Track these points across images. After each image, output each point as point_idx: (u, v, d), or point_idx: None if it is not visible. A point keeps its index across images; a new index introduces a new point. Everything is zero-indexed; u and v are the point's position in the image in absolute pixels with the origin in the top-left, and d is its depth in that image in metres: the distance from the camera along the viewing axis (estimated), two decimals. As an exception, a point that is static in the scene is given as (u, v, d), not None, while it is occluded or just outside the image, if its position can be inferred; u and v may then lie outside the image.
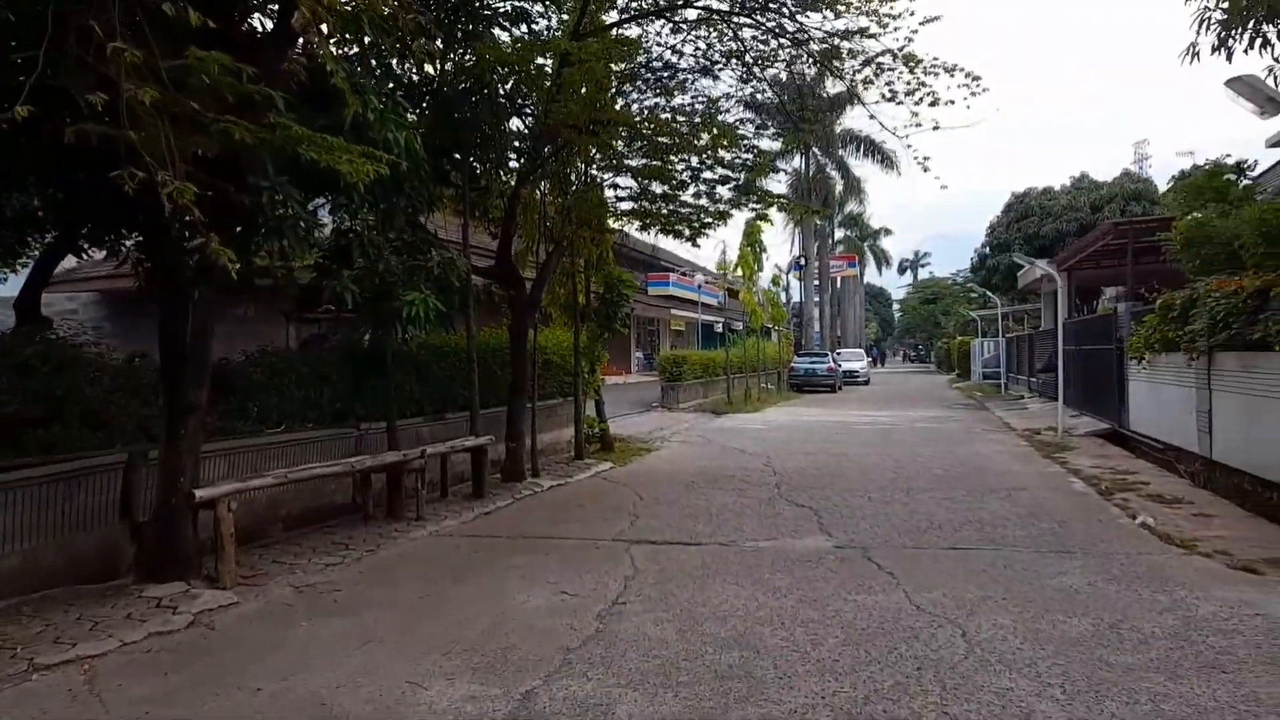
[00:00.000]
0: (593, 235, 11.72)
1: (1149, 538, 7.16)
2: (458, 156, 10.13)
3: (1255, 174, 15.54)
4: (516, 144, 10.59)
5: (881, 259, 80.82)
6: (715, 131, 9.27)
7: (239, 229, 7.12)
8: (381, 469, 8.16)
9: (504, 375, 11.60)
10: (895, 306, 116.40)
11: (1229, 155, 13.23)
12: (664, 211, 11.35)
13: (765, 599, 5.56)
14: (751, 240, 25.61)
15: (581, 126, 9.68)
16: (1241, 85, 7.62)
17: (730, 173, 10.69)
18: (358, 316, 8.90)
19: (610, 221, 11.72)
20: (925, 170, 10.53)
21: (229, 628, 5.29)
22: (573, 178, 11.65)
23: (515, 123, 10.79)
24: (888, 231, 78.03)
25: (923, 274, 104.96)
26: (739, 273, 25.12)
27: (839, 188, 45.41)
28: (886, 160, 41.59)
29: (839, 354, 40.19)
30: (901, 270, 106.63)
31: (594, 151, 10.81)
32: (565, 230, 11.01)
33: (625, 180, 11.54)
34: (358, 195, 7.82)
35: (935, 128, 10.05)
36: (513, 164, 11.01)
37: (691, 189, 11.12)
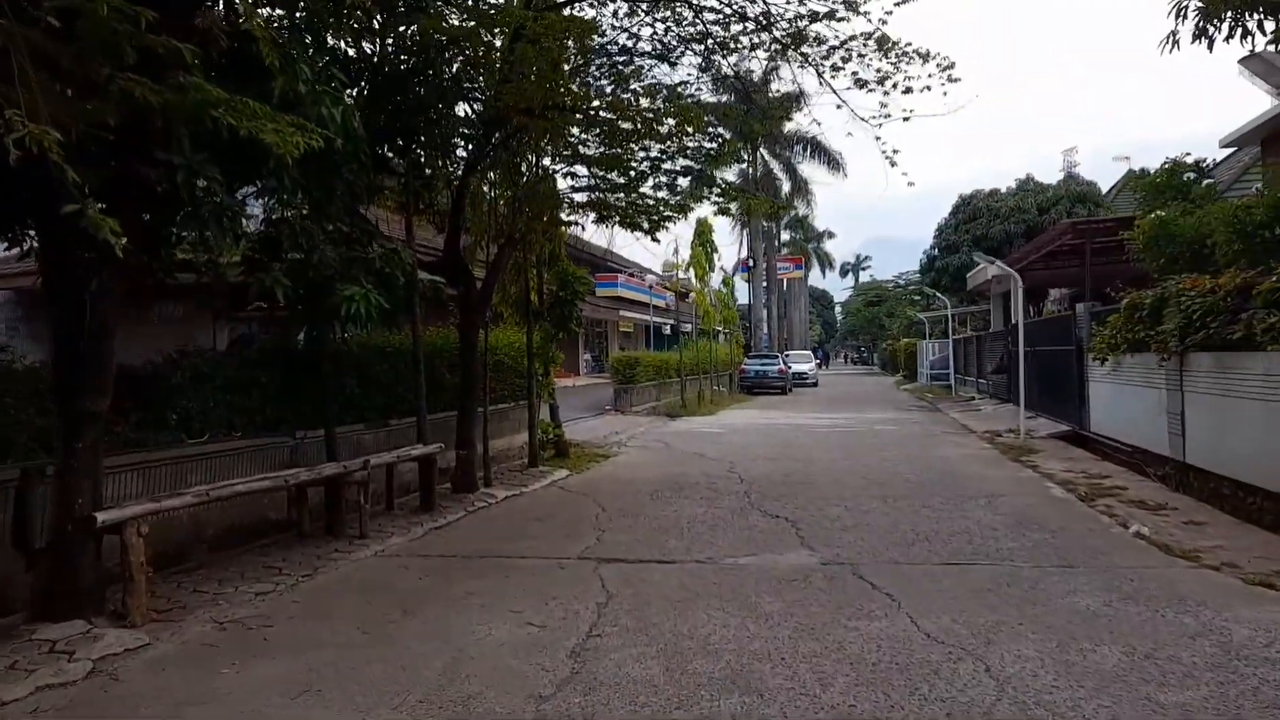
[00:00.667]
0: (545, 229, 11.03)
1: (1148, 549, 6.76)
2: (400, 143, 9.36)
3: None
4: (464, 130, 9.85)
5: (825, 262, 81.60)
6: (679, 116, 8.64)
7: (151, 215, 6.31)
8: (319, 482, 7.35)
9: (453, 378, 10.85)
10: (837, 309, 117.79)
11: (1188, 154, 13.20)
12: (623, 204, 10.70)
13: (757, 628, 4.96)
14: (704, 239, 25.14)
15: (535, 110, 8.99)
16: (1257, 63, 7.29)
17: (692, 163, 10.10)
18: (291, 314, 8.07)
19: (565, 215, 11.02)
20: (893, 164, 10.10)
21: (137, 677, 4.48)
22: (524, 169, 10.95)
23: (463, 108, 10.07)
24: (831, 234, 78.90)
25: (864, 277, 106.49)
26: (690, 273, 24.61)
27: (785, 189, 45.33)
28: (833, 162, 41.66)
29: (787, 356, 40.04)
30: (843, 273, 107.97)
31: (547, 140, 10.12)
32: (517, 223, 10.30)
33: (581, 171, 10.86)
34: (289, 177, 7.00)
35: (906, 118, 9.63)
36: (460, 152, 10.28)
37: (651, 180, 10.50)
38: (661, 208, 10.73)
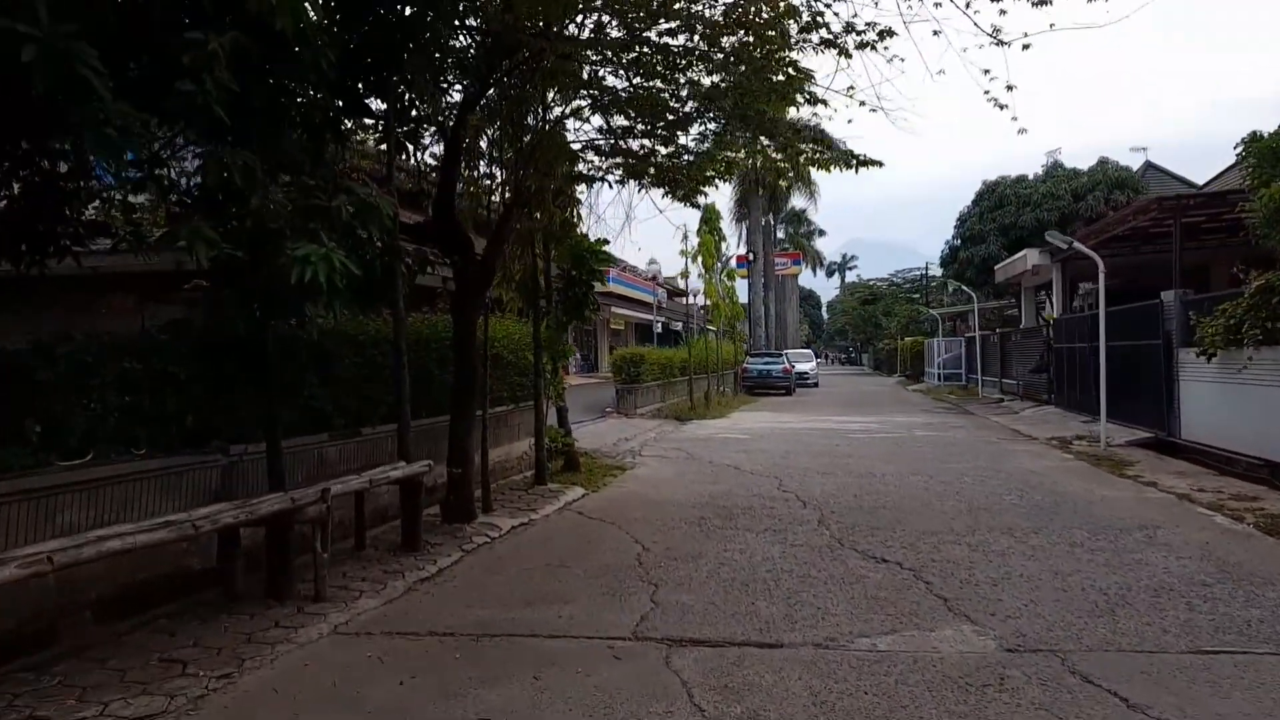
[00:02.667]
0: (559, 188, 8.84)
1: None
2: (380, 76, 7.14)
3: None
4: (462, 59, 7.66)
5: (817, 260, 79.75)
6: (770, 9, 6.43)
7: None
8: (254, 522, 5.10)
9: (444, 376, 8.64)
10: (823, 309, 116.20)
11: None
12: (659, 157, 8.53)
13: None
14: (712, 226, 23.03)
15: (556, 26, 6.82)
16: None
17: (749, 99, 7.89)
18: (222, 284, 5.84)
19: (585, 168, 8.83)
20: (1002, 107, 7.96)
21: None
22: (530, 120, 8.76)
23: (460, 39, 7.87)
24: (822, 232, 77.04)
25: (849, 277, 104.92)
26: (698, 262, 22.47)
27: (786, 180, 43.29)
28: (801, 177, 39.63)
29: (787, 355, 38.00)
30: (830, 273, 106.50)
31: (566, 76, 7.91)
32: (526, 180, 8.10)
33: (599, 120, 8.67)
34: (213, 82, 4.80)
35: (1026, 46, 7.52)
36: (454, 95, 8.09)
37: (698, 126, 8.33)
38: (709, 161, 8.57)
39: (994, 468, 11.09)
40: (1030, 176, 26.15)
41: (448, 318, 8.38)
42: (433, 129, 7.89)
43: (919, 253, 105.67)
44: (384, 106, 7.28)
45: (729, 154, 8.54)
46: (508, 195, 8.29)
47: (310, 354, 7.11)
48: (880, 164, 8.17)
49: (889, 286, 70.62)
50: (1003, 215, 25.35)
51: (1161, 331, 13.04)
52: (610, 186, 9.22)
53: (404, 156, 8.23)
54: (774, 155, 8.73)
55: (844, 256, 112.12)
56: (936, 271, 58.07)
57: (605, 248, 10.03)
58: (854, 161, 8.16)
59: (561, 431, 10.80)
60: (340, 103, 7.09)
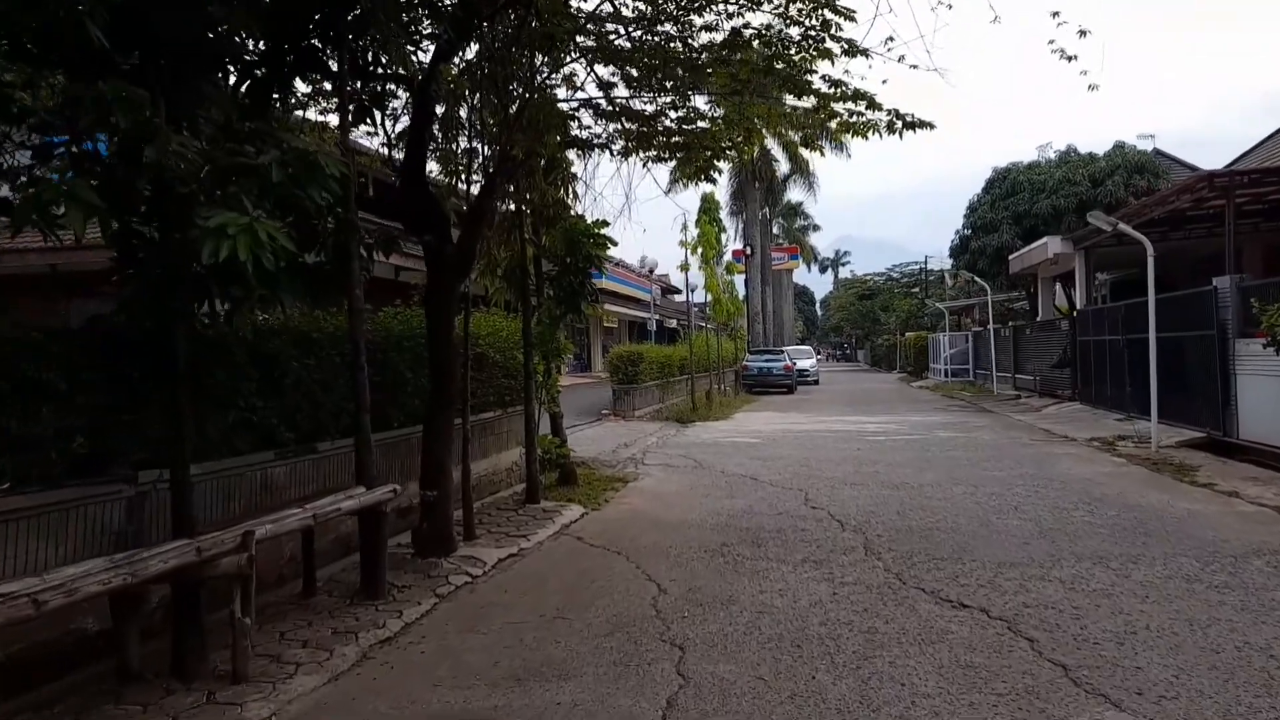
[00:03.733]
0: (550, 161, 7.58)
1: None
2: (335, 29, 5.87)
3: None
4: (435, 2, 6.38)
5: (812, 255, 78.61)
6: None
7: None
8: (139, 585, 3.78)
9: (420, 379, 7.36)
10: (817, 305, 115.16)
11: None
12: (670, 121, 7.25)
13: None
14: (712, 216, 21.80)
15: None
16: None
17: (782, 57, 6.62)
18: (118, 267, 4.56)
19: (581, 132, 7.54)
20: (1071, 59, 6.73)
21: None
22: (515, 85, 7.47)
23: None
24: (817, 227, 75.93)
25: (843, 273, 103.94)
26: (698, 253, 21.22)
27: (782, 170, 42.10)
28: (836, 142, 38.42)
29: (788, 352, 36.78)
30: (823, 269, 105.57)
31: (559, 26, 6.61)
32: (513, 145, 6.81)
33: (600, 72, 7.37)
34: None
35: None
36: (426, 50, 6.81)
37: (713, 85, 7.04)
38: (728, 127, 7.32)
39: (1042, 475, 9.86)
40: (1043, 162, 24.95)
41: (424, 311, 7.08)
42: (405, 91, 6.59)
43: (909, 250, 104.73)
44: (337, 56, 6.00)
45: (753, 118, 7.22)
46: (490, 168, 7.00)
47: (249, 356, 5.84)
48: (932, 125, 6.92)
49: (886, 281, 69.52)
50: (1016, 203, 24.10)
51: (1215, 321, 11.83)
52: (611, 157, 7.94)
53: (368, 122, 6.96)
54: (801, 120, 7.44)
55: (837, 252, 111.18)
56: (936, 265, 57.02)
57: (604, 230, 8.76)
58: (900, 124, 6.89)
59: (556, 441, 9.52)
60: (289, 52, 5.87)
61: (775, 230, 55.00)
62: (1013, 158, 26.62)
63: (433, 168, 8.33)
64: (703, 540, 6.89)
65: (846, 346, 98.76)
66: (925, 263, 55.92)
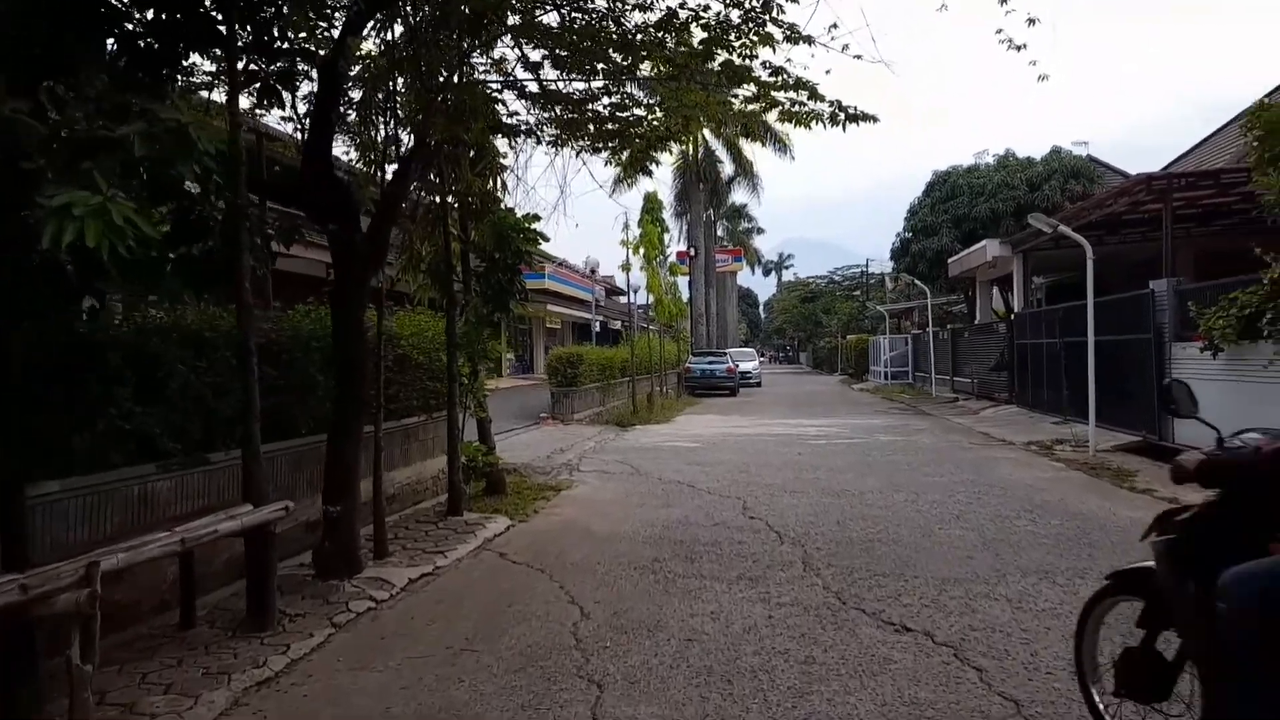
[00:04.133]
0: (475, 147, 7.08)
1: None
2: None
3: None
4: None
5: (756, 258, 78.94)
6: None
7: None
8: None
9: (329, 382, 6.77)
10: (760, 307, 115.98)
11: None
12: (601, 105, 6.80)
13: None
14: (654, 215, 21.44)
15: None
16: None
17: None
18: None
19: (509, 116, 7.04)
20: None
21: None
22: (440, 70, 6.94)
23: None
24: (761, 230, 76.35)
25: (786, 276, 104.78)
26: (640, 253, 20.83)
27: (727, 171, 42.03)
28: (780, 144, 38.46)
29: (730, 354, 36.65)
30: (767, 272, 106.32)
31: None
32: (432, 128, 6.29)
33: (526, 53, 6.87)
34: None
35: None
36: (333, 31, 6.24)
37: (646, 69, 6.61)
38: (664, 115, 6.90)
39: (983, 480, 9.67)
40: (981, 166, 25.18)
41: (330, 306, 6.48)
42: (302, 60, 6.01)
43: (853, 253, 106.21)
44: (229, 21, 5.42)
45: (688, 105, 6.80)
46: (407, 154, 6.45)
47: (125, 358, 5.22)
48: (874, 119, 6.59)
49: (828, 284, 70.16)
50: (955, 206, 24.28)
51: (1152, 324, 11.85)
52: (539, 144, 7.45)
53: (275, 103, 6.36)
54: (742, 107, 7.05)
55: (780, 255, 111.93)
56: (877, 269, 57.67)
57: (536, 225, 8.28)
58: (843, 115, 6.55)
59: (482, 448, 8.98)
60: (180, 22, 5.27)
61: (719, 232, 55.00)
62: (953, 161, 26.82)
63: (351, 155, 7.78)
64: (634, 555, 6.45)
65: (789, 349, 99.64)
66: (867, 266, 56.49)
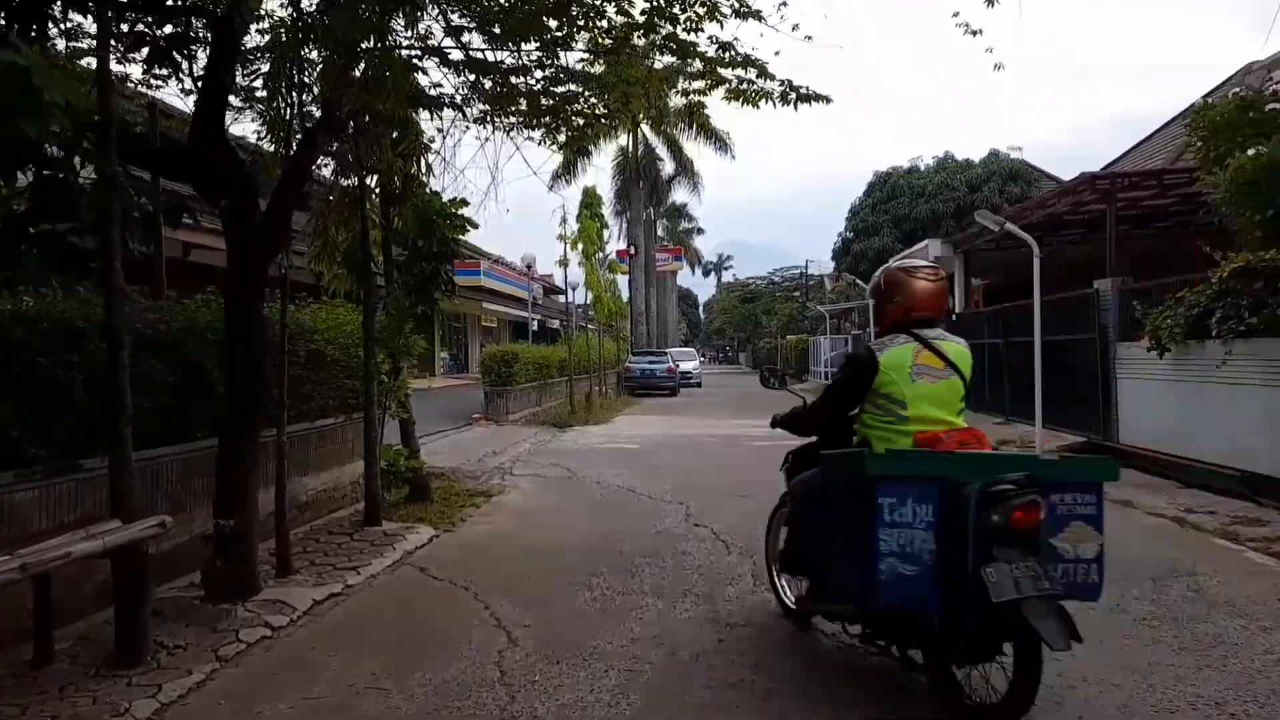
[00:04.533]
0: (395, 121, 6.43)
1: None
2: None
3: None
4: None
5: (696, 258, 78.95)
6: None
7: None
8: None
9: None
10: (700, 308, 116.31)
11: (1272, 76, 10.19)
12: (530, 80, 6.21)
13: None
14: (593, 210, 20.88)
15: None
16: None
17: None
18: None
19: (432, 88, 6.39)
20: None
21: None
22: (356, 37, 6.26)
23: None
24: (701, 230, 76.40)
25: (726, 277, 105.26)
26: (578, 249, 20.24)
27: (667, 170, 41.65)
28: (720, 143, 38.26)
29: (670, 354, 36.29)
30: (707, 273, 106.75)
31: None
32: (346, 95, 5.62)
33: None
34: None
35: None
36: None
37: (581, 40, 6.06)
38: (601, 91, 6.35)
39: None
40: (921, 168, 25.27)
41: (224, 294, 5.73)
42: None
43: (790, 254, 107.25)
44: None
45: (629, 81, 6.27)
46: (313, 126, 5.76)
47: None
48: (828, 99, 6.16)
49: (768, 285, 70.51)
50: (896, 207, 24.30)
51: (1096, 324, 11.75)
52: (466, 119, 6.80)
53: (161, 72, 5.62)
54: (687, 85, 6.55)
55: (720, 256, 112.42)
56: (816, 270, 58.07)
57: (463, 210, 7.65)
58: (794, 95, 6.10)
59: (404, 452, 8.30)
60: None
61: (660, 232, 54.72)
62: (891, 163, 26.91)
63: (257, 134, 7.05)
64: (569, 569, 5.89)
65: (729, 349, 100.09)
66: (806, 267, 56.83)
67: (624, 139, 38.32)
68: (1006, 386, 15.49)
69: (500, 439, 14.59)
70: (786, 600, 4.65)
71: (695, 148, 38.98)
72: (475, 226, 7.77)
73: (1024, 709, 3.20)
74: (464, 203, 7.59)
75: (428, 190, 7.89)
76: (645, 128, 38.09)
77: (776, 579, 4.77)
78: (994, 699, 3.30)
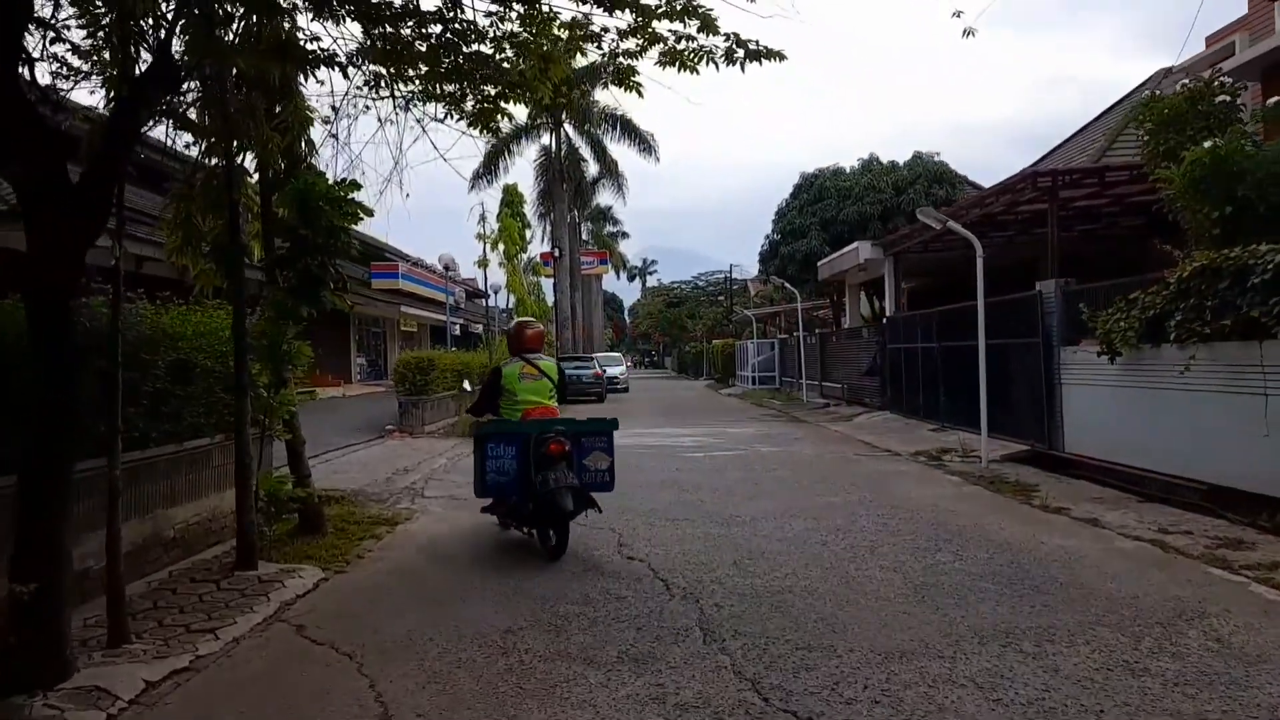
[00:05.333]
0: (280, 89, 5.32)
1: None
2: None
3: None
4: None
5: (621, 262, 78.16)
6: None
7: None
8: None
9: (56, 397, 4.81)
10: (625, 312, 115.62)
11: (1219, 68, 9.82)
12: (428, 34, 5.18)
13: None
14: (515, 209, 19.79)
15: None
16: None
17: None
18: None
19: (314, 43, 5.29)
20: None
21: None
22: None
23: None
24: (626, 235, 75.69)
25: (650, 281, 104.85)
26: (499, 250, 19.11)
27: (592, 171, 40.71)
28: (644, 145, 37.53)
29: (597, 358, 35.31)
30: (631, 277, 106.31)
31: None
32: (187, 42, 4.50)
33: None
34: None
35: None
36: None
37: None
38: (518, 51, 5.36)
39: (884, 500, 8.65)
40: (847, 170, 24.93)
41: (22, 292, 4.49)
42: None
43: (713, 260, 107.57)
44: None
45: (548, 38, 5.30)
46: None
47: None
48: (781, 56, 5.31)
49: (693, 289, 70.22)
50: (823, 209, 23.86)
51: (1041, 327, 11.29)
52: (346, 78, 5.71)
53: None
54: (616, 44, 5.61)
55: (644, 261, 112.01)
56: (740, 275, 57.95)
57: (356, 195, 6.54)
58: (741, 52, 5.24)
59: (288, 480, 7.11)
60: None
61: (585, 235, 53.66)
62: (814, 166, 26.47)
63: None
64: (479, 623, 4.88)
65: (654, 353, 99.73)
66: (730, 272, 56.62)
67: (546, 138, 37.33)
68: (942, 393, 15.04)
69: (414, 453, 13.39)
70: (491, 514, 7.29)
71: (620, 149, 38.17)
72: (369, 214, 6.66)
73: (563, 549, 6.28)
74: (354, 185, 6.47)
75: (315, 170, 6.76)
76: (568, 127, 37.14)
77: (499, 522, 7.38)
78: (551, 543, 6.33)
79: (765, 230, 27.79)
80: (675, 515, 8.05)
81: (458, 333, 43.14)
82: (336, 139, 7.02)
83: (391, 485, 10.22)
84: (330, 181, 6.52)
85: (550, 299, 34.54)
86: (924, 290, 21.99)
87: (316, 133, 7.07)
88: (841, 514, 7.96)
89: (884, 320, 19.33)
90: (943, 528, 7.23)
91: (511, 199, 19.96)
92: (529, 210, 32.26)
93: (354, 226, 6.88)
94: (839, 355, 23.48)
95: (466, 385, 13.05)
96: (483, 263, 17.93)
